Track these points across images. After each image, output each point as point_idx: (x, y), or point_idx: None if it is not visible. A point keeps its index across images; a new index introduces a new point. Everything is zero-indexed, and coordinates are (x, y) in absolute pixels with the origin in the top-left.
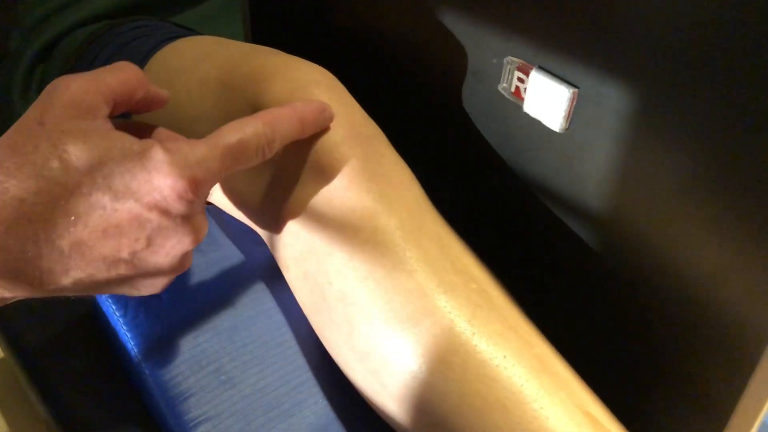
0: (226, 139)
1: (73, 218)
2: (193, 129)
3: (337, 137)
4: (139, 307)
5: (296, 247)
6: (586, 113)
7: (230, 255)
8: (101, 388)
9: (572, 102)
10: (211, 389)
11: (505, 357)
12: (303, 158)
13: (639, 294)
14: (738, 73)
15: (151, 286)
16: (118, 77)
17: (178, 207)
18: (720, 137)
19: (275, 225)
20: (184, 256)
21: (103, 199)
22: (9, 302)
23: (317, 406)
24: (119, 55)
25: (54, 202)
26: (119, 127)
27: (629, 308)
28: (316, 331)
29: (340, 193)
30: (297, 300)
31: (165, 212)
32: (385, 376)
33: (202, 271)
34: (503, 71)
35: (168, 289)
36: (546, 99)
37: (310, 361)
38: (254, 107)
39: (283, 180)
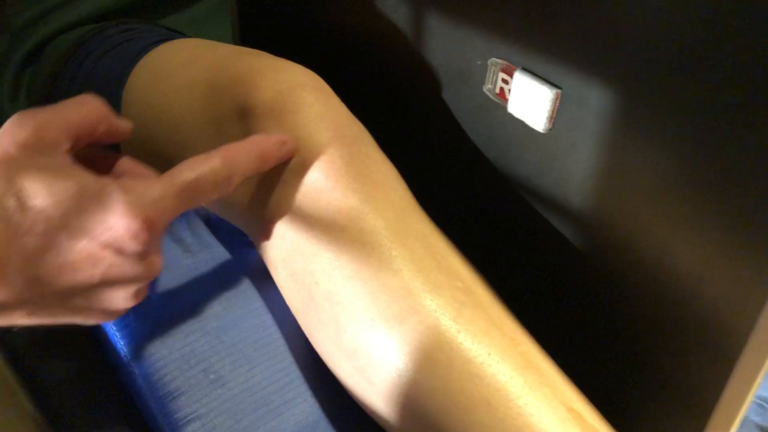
0: (183, 176)
1: (28, 256)
2: (181, 131)
3: (323, 138)
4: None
5: (283, 247)
6: (569, 114)
7: (219, 255)
8: (91, 387)
9: (555, 103)
10: (200, 388)
11: (489, 354)
12: (289, 160)
13: (621, 292)
14: (717, 73)
15: (106, 317)
16: (80, 112)
17: (132, 246)
18: (700, 137)
19: (263, 226)
20: (138, 292)
21: (58, 238)
22: None
23: (305, 404)
24: (107, 58)
25: (8, 240)
26: (82, 158)
27: (612, 306)
28: (304, 330)
29: (326, 193)
30: (285, 300)
31: (119, 251)
32: (372, 374)
33: (192, 272)
34: (488, 73)
35: (157, 289)
36: (530, 100)
37: (298, 360)
38: (242, 109)
39: (269, 181)
